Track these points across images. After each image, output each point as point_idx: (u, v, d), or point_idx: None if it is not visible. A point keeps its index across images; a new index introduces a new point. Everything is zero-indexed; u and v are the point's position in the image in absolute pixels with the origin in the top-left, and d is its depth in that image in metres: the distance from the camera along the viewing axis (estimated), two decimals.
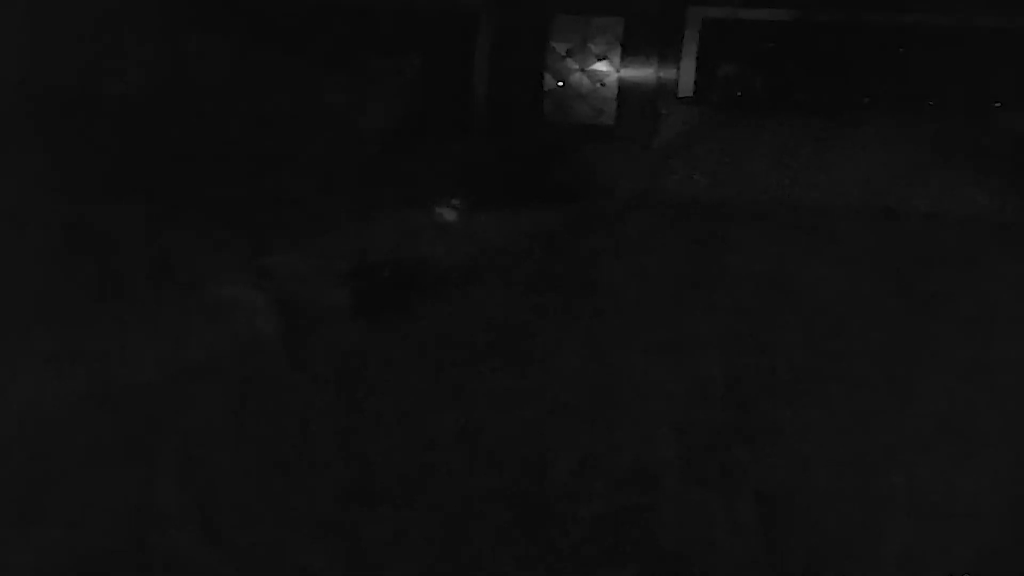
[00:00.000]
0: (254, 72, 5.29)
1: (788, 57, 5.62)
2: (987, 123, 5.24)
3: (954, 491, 2.51)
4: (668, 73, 5.76)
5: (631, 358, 3.29)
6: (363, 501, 2.52)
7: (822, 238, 4.46)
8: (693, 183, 5.37)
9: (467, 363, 3.26)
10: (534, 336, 3.46)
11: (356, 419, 2.90)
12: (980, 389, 3.03)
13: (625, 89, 5.82)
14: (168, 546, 2.31)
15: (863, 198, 5.04)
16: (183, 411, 2.90)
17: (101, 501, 2.47)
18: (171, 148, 4.72)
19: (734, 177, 5.31)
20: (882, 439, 2.78)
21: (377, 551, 2.34)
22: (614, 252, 4.37)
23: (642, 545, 2.37)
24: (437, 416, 2.91)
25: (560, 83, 5.85)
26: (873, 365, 3.22)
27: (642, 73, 5.79)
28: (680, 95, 5.76)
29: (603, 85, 5.83)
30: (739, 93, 5.73)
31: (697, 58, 5.70)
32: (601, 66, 5.81)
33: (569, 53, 5.81)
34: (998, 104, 5.30)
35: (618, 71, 5.80)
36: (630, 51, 5.77)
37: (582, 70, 5.82)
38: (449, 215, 4.77)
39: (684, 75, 5.74)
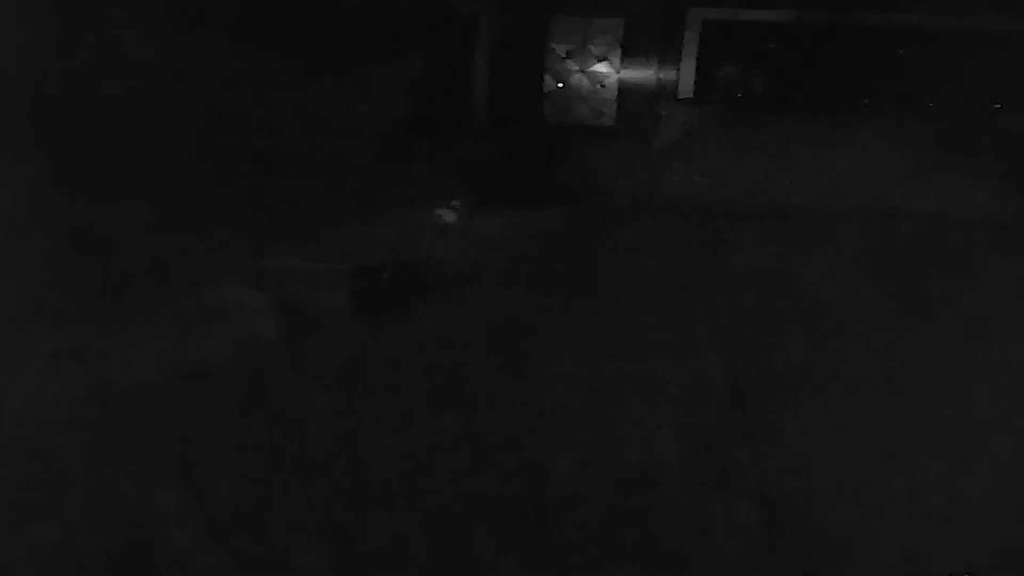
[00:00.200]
0: (255, 74, 5.30)
1: (788, 58, 5.64)
2: (987, 124, 5.25)
3: (954, 492, 2.50)
4: (668, 74, 5.78)
5: (631, 359, 3.29)
6: (363, 502, 2.51)
7: (822, 239, 4.47)
8: (693, 184, 5.38)
9: (467, 364, 3.25)
10: (534, 337, 3.46)
11: (356, 420, 2.90)
12: (980, 390, 3.03)
13: (625, 90, 5.83)
14: (168, 547, 2.31)
15: (863, 199, 5.05)
16: (183, 412, 2.89)
17: (101, 502, 2.46)
18: (171, 149, 4.73)
19: (734, 178, 5.32)
20: (882, 440, 2.78)
21: (377, 552, 2.34)
22: (614, 253, 4.37)
23: (642, 546, 2.36)
24: (437, 417, 2.91)
25: (560, 85, 5.86)
26: (873, 366, 3.22)
27: (642, 74, 5.81)
28: (680, 96, 5.78)
29: (603, 86, 5.84)
30: (739, 94, 5.74)
31: (697, 59, 5.72)
32: (601, 67, 5.82)
33: (569, 55, 5.82)
34: (998, 105, 5.31)
35: (618, 72, 5.81)
36: (630, 52, 5.78)
37: (582, 71, 5.83)
38: (449, 216, 4.78)
39: (684, 76, 5.75)
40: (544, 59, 5.85)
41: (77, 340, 3.23)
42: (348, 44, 5.61)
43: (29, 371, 3.02)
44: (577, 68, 5.84)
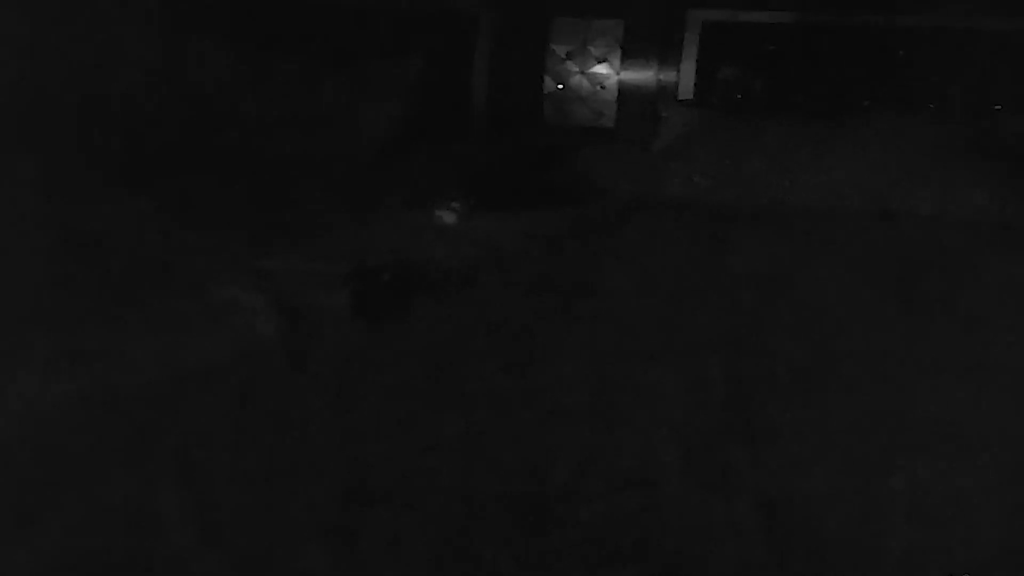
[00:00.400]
0: (254, 74, 5.30)
1: (788, 60, 5.64)
2: (987, 125, 5.25)
3: (954, 493, 2.50)
4: (668, 76, 5.77)
5: (631, 360, 3.29)
6: (363, 504, 2.51)
7: (822, 240, 4.46)
8: (693, 185, 5.38)
9: (467, 365, 3.25)
10: (534, 338, 3.46)
11: (356, 421, 2.90)
12: (980, 391, 3.02)
13: (625, 92, 5.82)
14: (168, 548, 2.31)
15: (863, 200, 5.05)
16: (182, 413, 2.89)
17: (100, 503, 2.46)
18: (171, 150, 4.72)
19: (734, 179, 5.32)
20: (882, 441, 2.78)
21: (377, 554, 2.34)
22: (614, 254, 4.37)
23: (642, 547, 2.36)
24: (437, 418, 2.91)
25: (560, 86, 5.85)
26: (873, 367, 3.22)
27: (642, 76, 5.80)
28: (680, 98, 5.77)
29: (603, 88, 5.83)
30: (739, 96, 5.74)
31: (697, 61, 5.72)
32: (601, 69, 5.81)
33: (569, 56, 5.82)
34: (998, 107, 5.30)
35: (618, 74, 5.80)
36: (630, 54, 5.78)
37: (582, 73, 5.82)
38: (449, 217, 4.77)
39: (684, 78, 5.75)
40: (544, 60, 5.85)
41: (76, 341, 3.22)
42: (347, 45, 5.60)
43: (28, 372, 3.01)
44: (577, 69, 5.84)
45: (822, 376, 3.17)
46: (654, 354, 3.32)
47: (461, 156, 5.48)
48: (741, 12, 5.64)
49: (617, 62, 5.80)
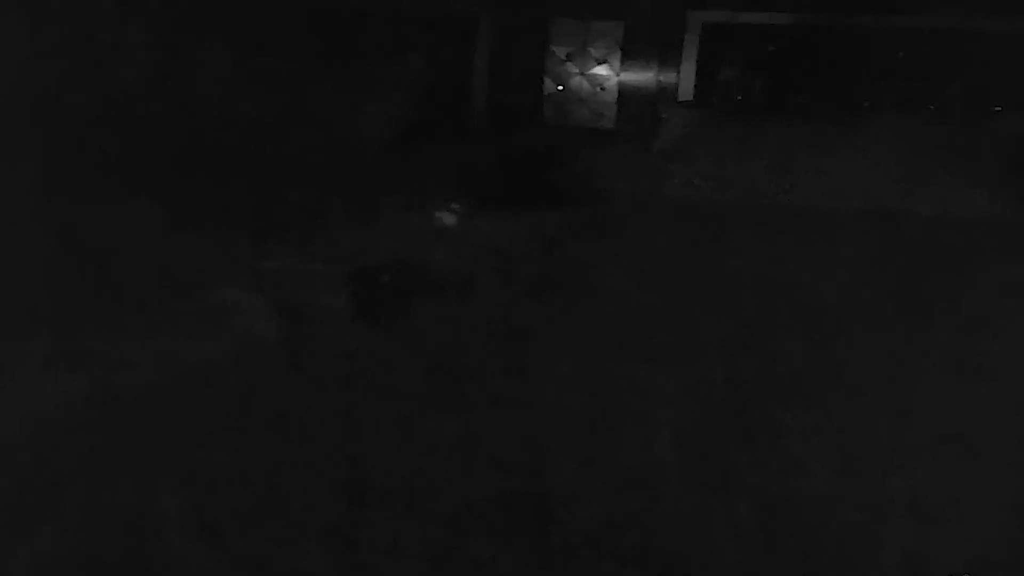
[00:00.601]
0: (253, 75, 5.29)
1: (788, 61, 5.62)
2: (987, 127, 5.24)
3: (954, 493, 2.50)
4: (668, 77, 5.77)
5: (631, 362, 3.28)
6: (363, 505, 2.51)
7: (822, 242, 4.46)
8: (693, 187, 5.37)
9: (467, 366, 3.25)
10: (534, 339, 3.46)
11: (355, 422, 2.89)
12: (980, 392, 3.02)
13: (625, 93, 5.82)
14: (167, 549, 2.31)
15: (863, 202, 5.04)
16: (183, 414, 2.89)
17: (101, 504, 2.46)
18: (171, 152, 4.72)
19: (734, 181, 5.31)
20: (882, 442, 2.78)
21: (377, 555, 2.34)
22: (614, 256, 4.36)
23: (642, 548, 2.36)
24: (437, 420, 2.91)
25: (560, 87, 5.85)
26: (873, 369, 3.22)
27: (642, 77, 5.80)
28: (680, 99, 5.76)
29: (603, 89, 5.83)
30: (739, 97, 5.73)
31: (697, 62, 5.70)
32: (601, 70, 5.81)
33: (569, 57, 5.82)
34: (998, 108, 5.30)
35: (618, 75, 5.80)
36: (630, 55, 5.77)
37: (582, 74, 5.82)
38: (449, 219, 4.77)
39: (684, 79, 5.74)
40: (544, 61, 5.84)
41: (76, 342, 3.22)
42: (347, 46, 5.60)
43: (28, 374, 3.01)
44: (577, 70, 5.83)
45: (822, 377, 3.17)
46: (654, 355, 3.31)
47: (461, 157, 5.47)
48: (741, 13, 5.63)
49: (617, 63, 5.79)
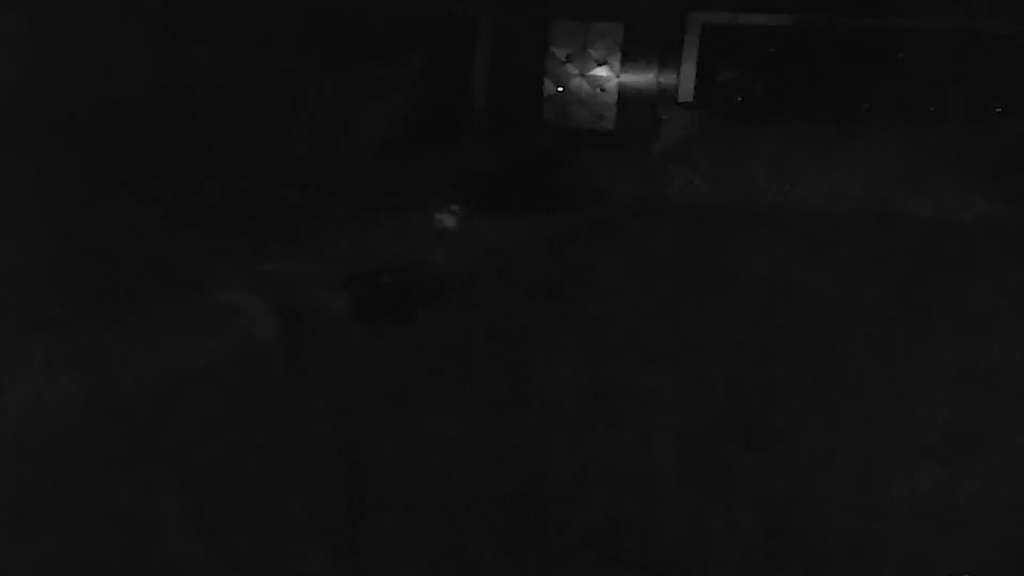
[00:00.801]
0: (254, 77, 5.30)
1: (788, 62, 5.64)
2: (987, 128, 5.25)
3: (955, 495, 2.50)
4: (668, 78, 5.78)
5: (631, 363, 3.28)
6: (362, 506, 2.51)
7: (822, 243, 4.46)
8: (693, 188, 5.38)
9: (467, 367, 3.25)
10: (533, 340, 3.45)
11: (355, 424, 2.89)
12: (980, 394, 3.02)
13: (625, 94, 5.83)
14: (167, 550, 2.31)
15: (863, 202, 5.05)
16: (183, 414, 2.89)
17: (100, 506, 2.46)
18: (171, 153, 4.72)
19: (734, 182, 5.32)
20: (882, 444, 2.77)
21: (377, 555, 2.34)
22: (614, 257, 4.36)
23: (642, 550, 2.36)
24: (436, 421, 2.90)
25: (560, 88, 5.86)
26: (873, 369, 3.21)
27: (642, 78, 5.81)
28: (680, 100, 5.78)
29: (603, 90, 5.84)
30: (739, 98, 5.74)
31: (697, 63, 5.72)
32: (601, 71, 5.82)
33: (569, 58, 5.82)
34: (998, 110, 5.31)
35: (618, 76, 5.81)
36: (630, 56, 5.78)
37: (582, 75, 5.83)
38: (449, 220, 4.77)
39: (684, 80, 5.75)
40: (544, 63, 5.85)
41: (76, 343, 3.22)
42: (348, 48, 5.61)
43: (28, 374, 3.01)
44: (577, 72, 5.84)
45: (822, 378, 3.16)
46: (654, 357, 3.31)
47: (461, 158, 5.48)
48: (741, 15, 5.65)
49: (617, 65, 5.80)
